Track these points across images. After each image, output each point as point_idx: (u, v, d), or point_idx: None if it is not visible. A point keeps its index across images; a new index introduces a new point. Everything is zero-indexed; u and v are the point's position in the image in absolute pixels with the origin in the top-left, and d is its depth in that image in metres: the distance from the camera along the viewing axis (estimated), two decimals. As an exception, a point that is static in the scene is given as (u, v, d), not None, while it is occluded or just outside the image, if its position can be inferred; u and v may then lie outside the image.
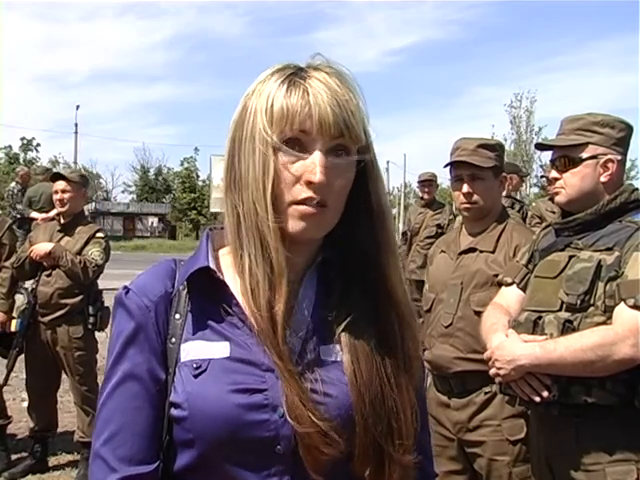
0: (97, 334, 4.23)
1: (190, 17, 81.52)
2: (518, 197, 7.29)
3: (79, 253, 4.05)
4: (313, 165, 0.91)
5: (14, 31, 78.43)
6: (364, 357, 0.94)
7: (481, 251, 2.53)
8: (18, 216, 8.43)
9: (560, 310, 1.90)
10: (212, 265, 0.97)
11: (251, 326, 0.94)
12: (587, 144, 2.00)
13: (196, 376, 0.91)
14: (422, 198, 7.38)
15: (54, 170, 9.23)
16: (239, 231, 0.94)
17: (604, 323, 1.83)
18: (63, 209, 4.12)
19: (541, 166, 37.70)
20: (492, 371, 1.97)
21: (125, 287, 0.98)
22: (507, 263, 2.44)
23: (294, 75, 0.94)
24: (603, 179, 2.00)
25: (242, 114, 0.96)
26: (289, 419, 0.89)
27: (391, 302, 0.98)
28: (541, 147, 2.20)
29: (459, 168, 2.55)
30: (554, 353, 1.81)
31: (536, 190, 36.96)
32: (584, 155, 2.00)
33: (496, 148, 2.58)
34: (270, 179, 0.91)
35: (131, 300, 0.96)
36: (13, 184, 9.66)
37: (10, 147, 41.59)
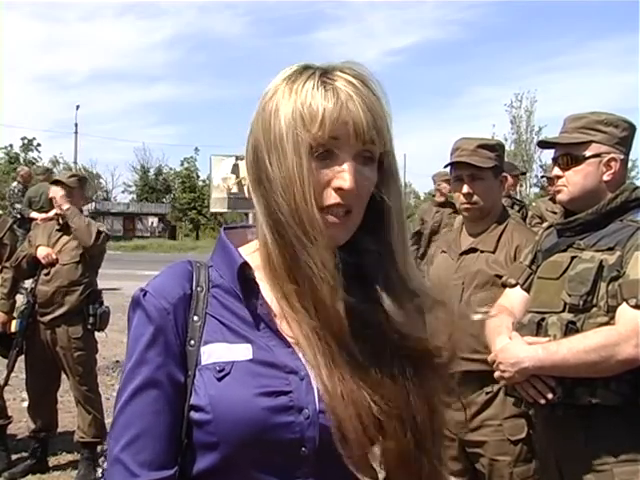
0: (97, 334, 4.23)
1: (190, 17, 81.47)
2: (518, 197, 7.29)
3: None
4: (344, 171, 0.90)
5: (14, 31, 78.46)
6: (382, 358, 0.93)
7: (482, 251, 2.53)
8: (18, 216, 8.45)
9: (563, 311, 1.90)
10: (248, 261, 0.96)
11: (275, 327, 0.94)
12: (590, 142, 1.99)
13: (220, 379, 0.91)
14: (435, 196, 7.34)
15: (54, 170, 9.22)
16: (280, 233, 0.93)
17: (607, 323, 1.82)
18: (61, 212, 4.17)
19: (541, 166, 37.71)
20: (496, 374, 1.97)
21: (142, 289, 0.97)
22: (508, 263, 2.44)
23: (323, 77, 0.92)
24: (606, 178, 1.99)
25: (265, 115, 0.94)
26: (326, 417, 0.89)
27: (414, 303, 0.97)
28: (544, 145, 2.17)
29: (459, 168, 2.55)
30: (557, 355, 1.81)
31: (536, 190, 36.96)
32: (587, 153, 1.99)
33: (496, 148, 2.58)
34: (310, 182, 0.90)
35: (149, 302, 0.95)
36: (15, 183, 9.71)
37: (11, 146, 41.59)
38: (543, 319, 1.91)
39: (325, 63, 0.96)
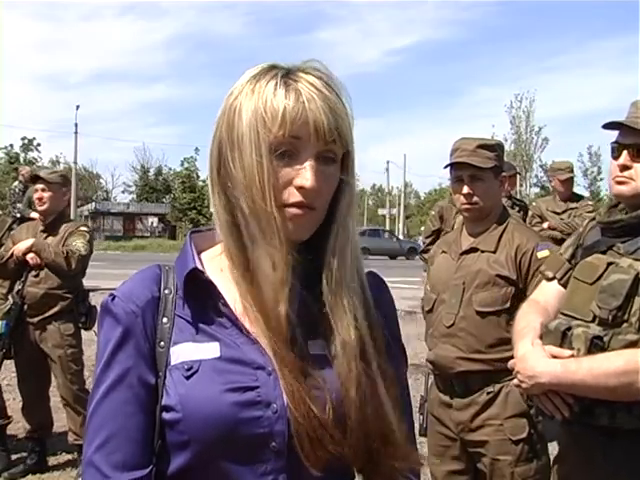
0: (86, 334, 4.24)
1: (190, 17, 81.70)
2: (518, 197, 7.28)
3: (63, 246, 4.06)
4: (305, 170, 0.92)
5: (14, 31, 78.55)
6: (349, 352, 0.95)
7: (482, 251, 2.52)
8: (18, 215, 8.45)
9: (593, 322, 1.76)
10: (200, 266, 0.98)
11: (240, 325, 0.95)
12: None
13: (188, 377, 0.92)
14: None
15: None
16: (239, 232, 0.95)
17: (637, 342, 1.68)
18: (42, 207, 4.13)
19: (541, 166, 37.79)
20: (514, 381, 1.90)
21: (111, 294, 0.99)
22: (509, 263, 2.44)
23: (285, 77, 0.94)
24: None
25: (230, 114, 0.95)
26: (291, 414, 0.90)
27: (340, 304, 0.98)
28: (612, 127, 1.89)
29: (459, 169, 2.54)
30: (576, 375, 1.69)
31: (536, 190, 37.00)
32: None
33: (495, 148, 2.56)
34: (269, 181, 0.91)
35: (118, 306, 0.96)
36: (16, 183, 9.74)
37: (11, 146, 41.58)
38: (569, 328, 1.77)
39: (290, 63, 0.97)
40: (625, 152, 1.82)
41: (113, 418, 0.93)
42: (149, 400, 0.93)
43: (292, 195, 0.93)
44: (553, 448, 2.10)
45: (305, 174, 0.92)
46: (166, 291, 0.98)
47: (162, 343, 0.95)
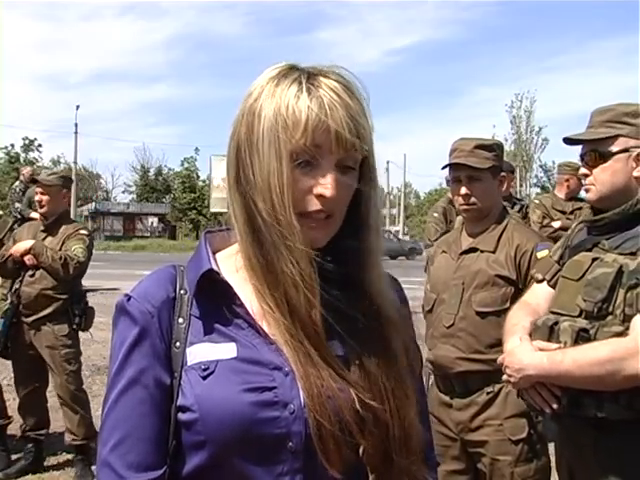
0: (83, 335, 4.25)
1: (190, 17, 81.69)
2: (517, 196, 7.25)
3: (60, 250, 4.05)
4: (326, 179, 0.92)
5: (14, 31, 78.56)
6: (363, 355, 0.95)
7: (482, 251, 2.52)
8: (19, 215, 8.46)
9: (579, 316, 1.79)
10: (215, 267, 0.98)
11: (257, 326, 0.95)
12: (617, 136, 1.85)
13: (204, 377, 0.92)
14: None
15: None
16: (259, 236, 0.94)
17: (622, 333, 1.70)
18: (42, 210, 4.15)
19: (541, 166, 37.87)
20: (504, 377, 1.93)
21: (126, 294, 0.99)
22: (508, 263, 2.45)
23: (306, 82, 0.92)
24: (636, 174, 1.83)
25: (249, 116, 0.94)
26: (309, 415, 0.90)
27: (376, 307, 0.99)
28: (569, 142, 1.98)
29: (457, 170, 2.54)
30: (561, 366, 1.72)
31: (537, 190, 37.04)
32: (614, 148, 1.86)
33: (494, 148, 2.56)
34: (289, 188, 0.91)
35: (133, 307, 0.96)
36: (17, 183, 9.76)
37: (12, 146, 41.56)
38: (557, 323, 1.80)
39: (310, 65, 0.96)
40: (583, 161, 1.93)
41: (128, 418, 0.93)
42: (164, 401, 0.93)
43: (312, 203, 0.92)
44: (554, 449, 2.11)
45: (325, 183, 0.91)
46: (182, 291, 0.98)
47: (178, 343, 0.95)
